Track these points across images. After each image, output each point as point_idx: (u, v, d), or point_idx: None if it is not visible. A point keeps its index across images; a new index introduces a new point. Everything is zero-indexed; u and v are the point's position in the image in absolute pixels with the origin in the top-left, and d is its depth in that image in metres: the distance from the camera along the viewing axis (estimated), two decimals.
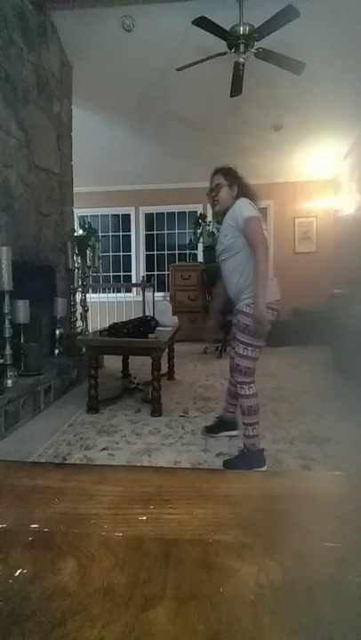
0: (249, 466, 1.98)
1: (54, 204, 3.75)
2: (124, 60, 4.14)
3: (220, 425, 2.41)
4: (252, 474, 0.53)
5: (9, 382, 2.59)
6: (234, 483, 0.49)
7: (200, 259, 6.69)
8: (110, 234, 7.35)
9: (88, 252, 4.31)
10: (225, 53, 3.37)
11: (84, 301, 4.48)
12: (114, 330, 2.90)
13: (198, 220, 6.26)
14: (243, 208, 2.01)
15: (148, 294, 5.84)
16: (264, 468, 1.97)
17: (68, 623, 0.29)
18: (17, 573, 0.34)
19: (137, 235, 7.23)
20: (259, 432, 2.04)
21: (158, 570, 0.34)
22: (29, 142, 3.21)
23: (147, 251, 7.30)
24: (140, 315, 4.39)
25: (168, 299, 5.97)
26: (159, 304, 4.17)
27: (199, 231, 6.23)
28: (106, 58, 4.15)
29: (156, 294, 6.38)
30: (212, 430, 2.41)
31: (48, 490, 0.47)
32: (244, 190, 2.16)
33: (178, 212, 7.14)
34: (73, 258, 4.11)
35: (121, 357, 3.72)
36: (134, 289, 6.82)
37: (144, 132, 5.49)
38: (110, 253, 7.36)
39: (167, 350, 3.61)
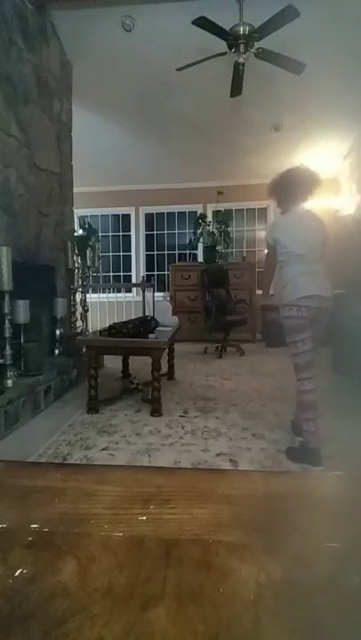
0: (302, 460, 2.04)
1: (54, 203, 3.75)
2: (124, 59, 4.14)
3: None
4: (252, 474, 0.53)
5: (9, 382, 2.59)
6: (234, 483, 0.49)
7: (200, 259, 6.69)
8: (110, 234, 7.35)
9: (88, 251, 4.31)
10: (225, 53, 3.37)
11: (84, 301, 4.48)
12: (114, 330, 2.90)
13: (198, 220, 6.26)
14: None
15: (148, 294, 5.84)
16: (319, 468, 1.95)
17: (68, 623, 0.29)
18: (17, 573, 0.34)
19: (137, 235, 7.23)
20: (317, 429, 2.06)
21: (158, 570, 0.34)
22: (29, 142, 3.21)
23: (147, 251, 7.30)
24: (140, 315, 4.39)
25: (168, 299, 5.96)
26: (159, 304, 4.17)
27: (199, 231, 6.23)
28: (106, 58, 4.15)
29: (156, 294, 6.38)
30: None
31: (48, 490, 0.46)
32: (282, 200, 2.32)
33: (178, 212, 7.14)
34: (73, 258, 4.10)
35: (121, 357, 3.72)
36: (134, 289, 6.82)
37: (144, 131, 5.49)
38: (110, 253, 7.35)
39: (167, 350, 3.61)
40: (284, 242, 2.16)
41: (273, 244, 2.22)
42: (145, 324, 2.95)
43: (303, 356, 2.09)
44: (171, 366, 3.82)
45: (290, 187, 2.24)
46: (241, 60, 3.32)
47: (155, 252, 7.29)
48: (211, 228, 6.27)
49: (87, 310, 4.51)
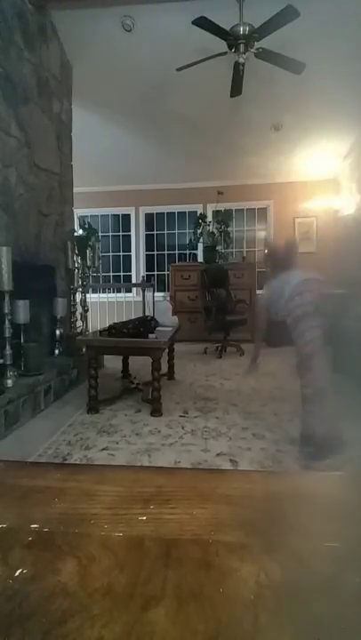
0: (321, 455, 2.02)
1: (54, 203, 3.75)
2: (124, 59, 4.14)
3: None
4: (252, 474, 0.53)
5: (9, 382, 2.59)
6: (234, 483, 0.49)
7: (200, 259, 6.69)
8: (110, 234, 7.35)
9: (88, 251, 4.31)
10: (225, 53, 3.37)
11: (84, 301, 4.48)
12: (114, 330, 2.90)
13: (198, 220, 6.26)
14: None
15: (148, 294, 5.84)
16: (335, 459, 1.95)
17: (68, 623, 0.29)
18: (17, 573, 0.34)
19: (137, 235, 7.23)
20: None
21: (158, 570, 0.34)
22: (29, 142, 3.21)
23: (147, 251, 7.30)
24: (140, 315, 4.39)
25: (168, 299, 5.96)
26: (159, 304, 4.17)
27: (199, 231, 6.22)
28: (106, 58, 4.15)
29: (156, 294, 6.38)
30: None
31: (48, 490, 0.46)
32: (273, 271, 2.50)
33: (178, 212, 7.14)
34: (73, 258, 4.10)
35: (121, 357, 3.72)
36: (134, 289, 6.82)
37: (144, 131, 5.49)
38: (110, 253, 7.35)
39: (167, 350, 3.61)
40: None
41: (265, 304, 2.41)
42: (145, 324, 2.95)
43: (310, 345, 2.07)
44: (171, 366, 3.82)
45: (277, 259, 2.53)
46: (241, 59, 3.32)
47: (155, 252, 7.29)
48: (211, 227, 6.27)
49: (87, 310, 4.51)
